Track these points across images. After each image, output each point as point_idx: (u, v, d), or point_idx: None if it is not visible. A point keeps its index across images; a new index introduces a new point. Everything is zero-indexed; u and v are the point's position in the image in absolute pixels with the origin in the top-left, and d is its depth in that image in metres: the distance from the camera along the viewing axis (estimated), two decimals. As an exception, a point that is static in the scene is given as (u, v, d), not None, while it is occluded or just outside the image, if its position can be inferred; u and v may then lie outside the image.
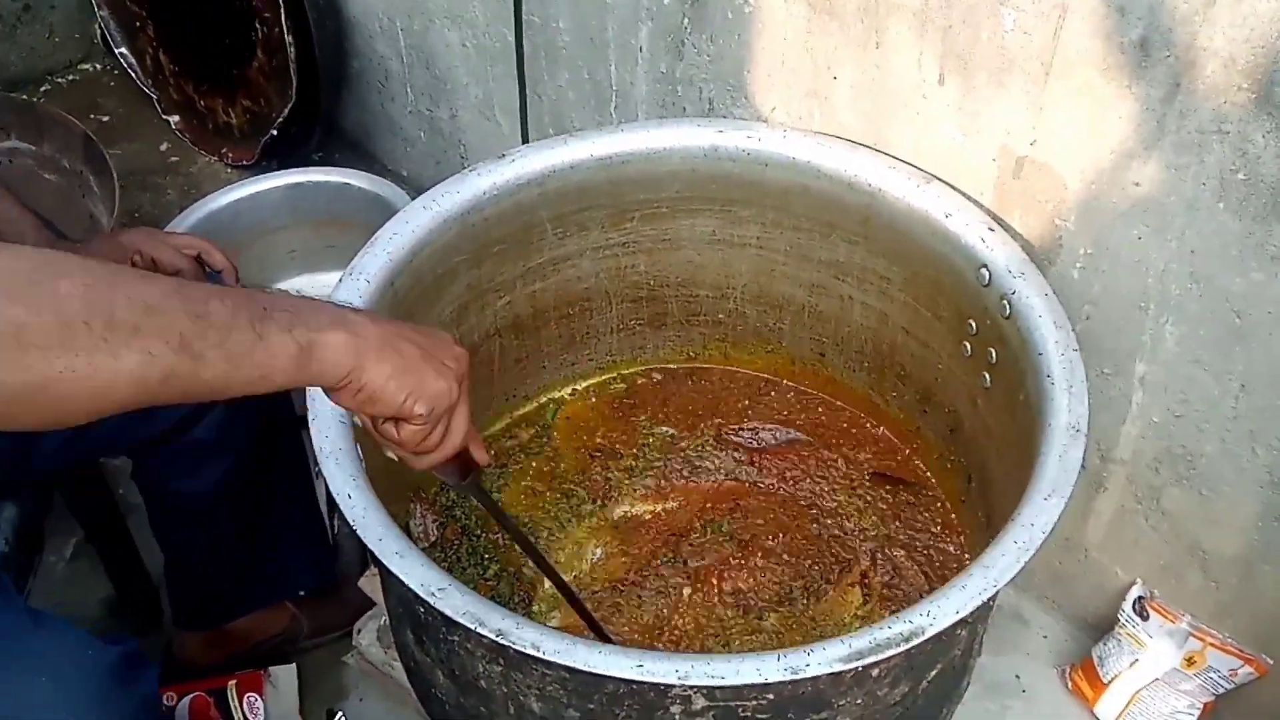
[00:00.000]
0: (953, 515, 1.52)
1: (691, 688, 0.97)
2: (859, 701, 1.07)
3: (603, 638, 1.30)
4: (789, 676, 0.94)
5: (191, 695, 1.57)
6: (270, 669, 1.61)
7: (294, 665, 1.64)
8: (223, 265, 1.30)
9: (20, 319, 0.68)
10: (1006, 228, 1.34)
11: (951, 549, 1.50)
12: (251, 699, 1.57)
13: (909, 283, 1.44)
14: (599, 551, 1.50)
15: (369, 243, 1.31)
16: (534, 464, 1.60)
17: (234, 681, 1.58)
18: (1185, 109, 1.14)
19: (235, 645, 1.62)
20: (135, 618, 1.73)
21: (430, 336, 0.93)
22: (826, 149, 1.43)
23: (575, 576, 1.47)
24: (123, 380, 0.72)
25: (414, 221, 1.34)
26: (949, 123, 1.35)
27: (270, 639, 1.64)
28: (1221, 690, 1.49)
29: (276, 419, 1.49)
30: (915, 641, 0.96)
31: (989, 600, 1.00)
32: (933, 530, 1.52)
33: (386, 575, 1.03)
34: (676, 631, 1.42)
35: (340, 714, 1.61)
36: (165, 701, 1.56)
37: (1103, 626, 1.60)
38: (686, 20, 1.55)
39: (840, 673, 0.95)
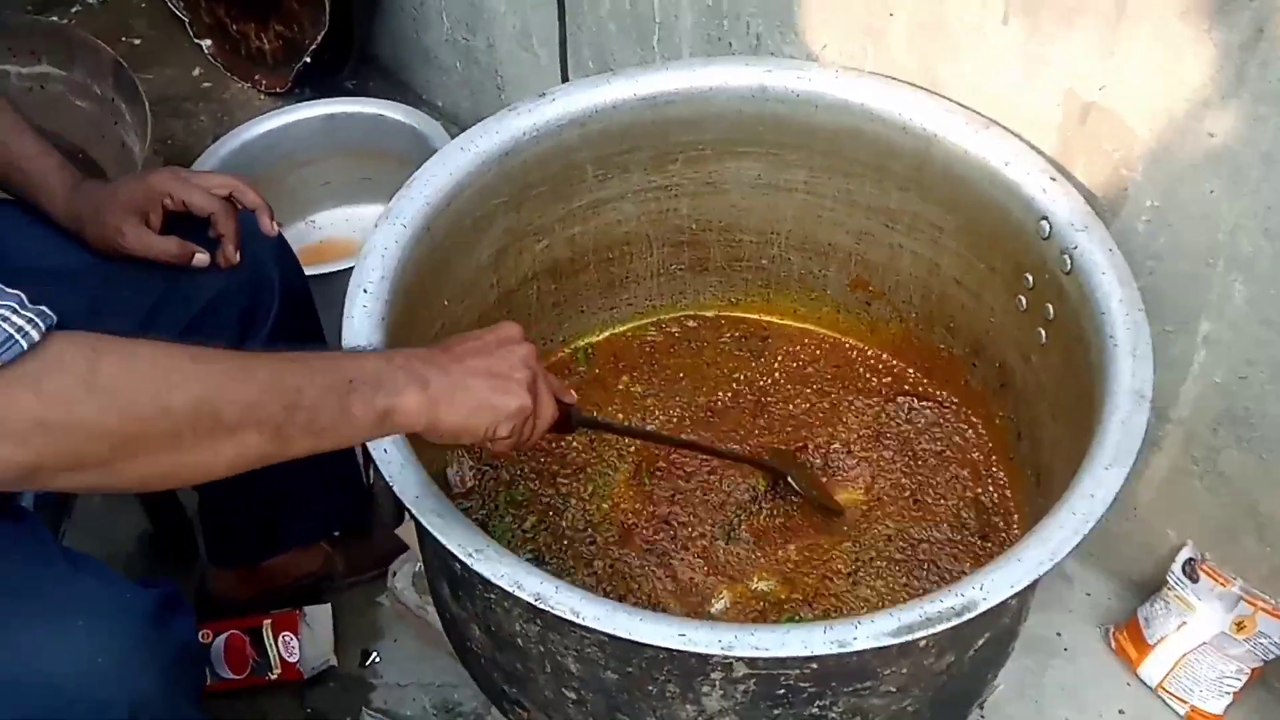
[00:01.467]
0: (999, 471, 1.49)
1: (735, 658, 0.94)
2: (904, 671, 1.05)
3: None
4: (835, 650, 0.91)
5: (227, 634, 1.57)
6: (305, 609, 1.61)
7: (329, 605, 1.64)
8: (255, 204, 1.27)
9: (136, 432, 0.77)
10: (1069, 177, 1.28)
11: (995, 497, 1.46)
12: (287, 638, 1.57)
13: (962, 232, 1.39)
14: (636, 494, 1.48)
15: (406, 185, 1.27)
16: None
17: (269, 621, 1.58)
18: (1268, 57, 1.07)
19: (268, 583, 1.61)
20: (171, 554, 1.73)
21: (497, 353, 0.96)
22: (880, 90, 1.37)
23: (614, 520, 1.45)
24: (220, 467, 0.83)
25: (451, 163, 1.29)
26: (1011, 65, 1.28)
27: (304, 578, 1.64)
28: (1272, 657, 1.46)
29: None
30: (968, 616, 0.93)
31: (1045, 573, 0.97)
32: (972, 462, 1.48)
33: (423, 533, 1.01)
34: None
35: (375, 654, 1.62)
36: (200, 639, 1.57)
37: (1150, 587, 1.57)
38: (736, -49, 1.48)
39: (887, 646, 0.93)
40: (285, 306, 1.31)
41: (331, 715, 1.56)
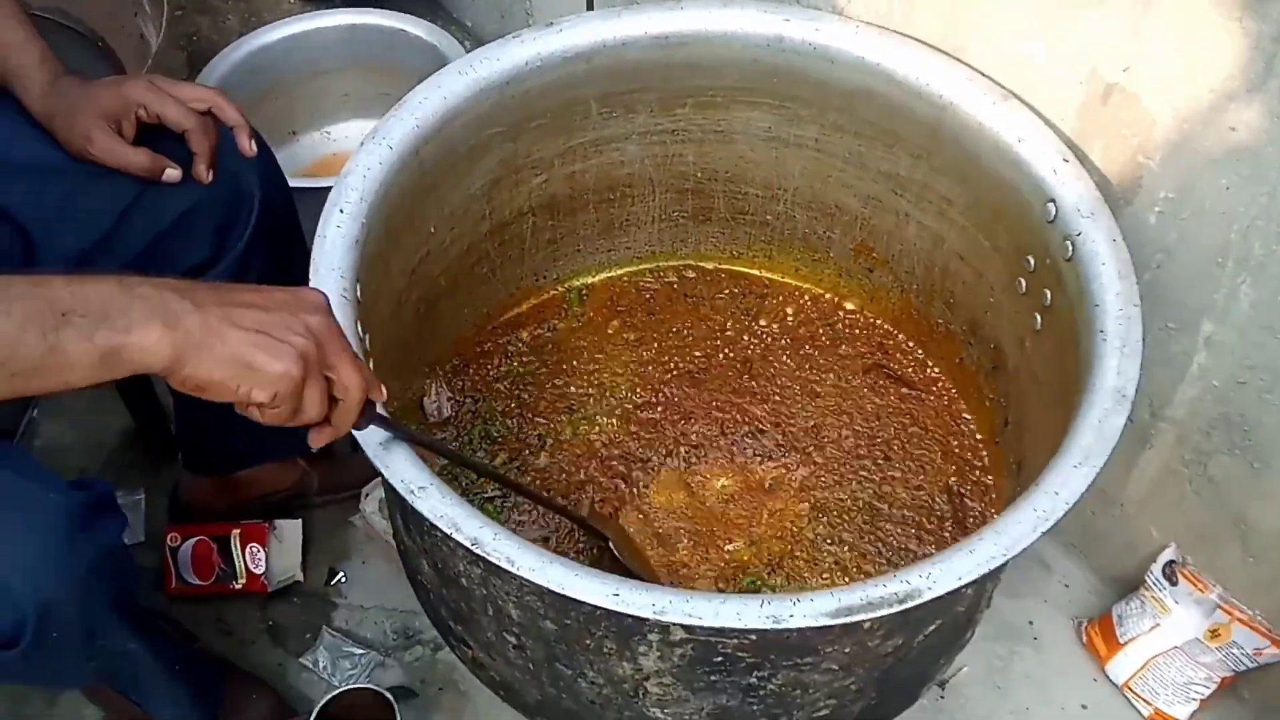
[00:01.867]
0: (984, 452, 1.45)
1: (669, 623, 0.92)
2: (847, 650, 1.03)
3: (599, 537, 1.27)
4: (769, 625, 0.89)
5: (195, 539, 1.57)
6: (276, 522, 1.61)
7: (299, 521, 1.64)
8: (235, 121, 1.22)
9: None
10: (1083, 159, 1.23)
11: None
12: (254, 549, 1.57)
13: (970, 207, 1.34)
14: (609, 444, 1.46)
15: (397, 105, 1.24)
16: (552, 347, 1.55)
17: (238, 531, 1.58)
18: (1301, 52, 1.02)
19: (242, 494, 1.61)
20: (151, 452, 1.73)
21: (277, 312, 0.83)
22: (900, 51, 1.31)
23: (586, 468, 1.43)
24: None
25: (447, 87, 1.26)
26: (1036, 37, 1.22)
27: (278, 492, 1.63)
28: (1243, 668, 1.42)
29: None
30: (910, 604, 0.91)
31: (997, 569, 0.94)
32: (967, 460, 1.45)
33: (373, 465, 0.99)
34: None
35: (341, 574, 1.62)
36: (170, 543, 1.57)
37: (1128, 585, 1.53)
38: (769, -109, 1.42)
39: (826, 626, 0.90)
40: (263, 222, 1.27)
41: (292, 630, 1.56)
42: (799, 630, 0.90)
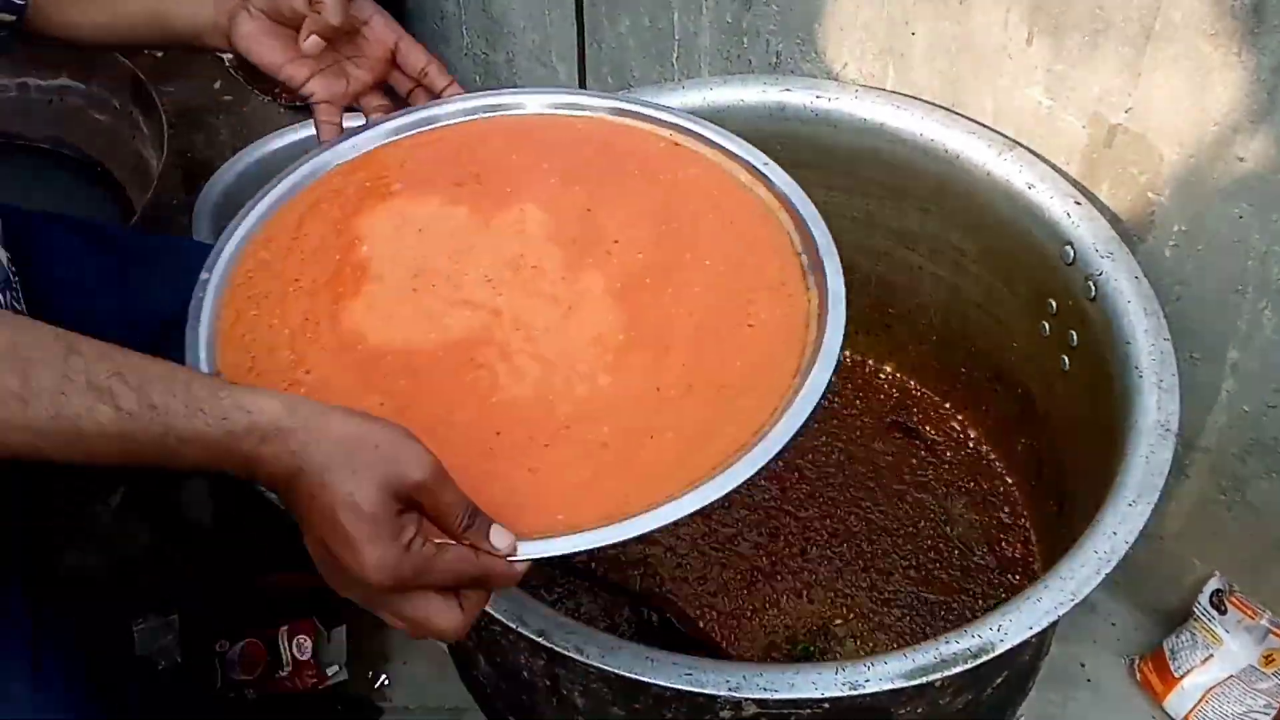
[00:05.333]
0: (1019, 499, 1.46)
1: (743, 699, 0.92)
2: (919, 710, 1.02)
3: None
4: (847, 692, 0.88)
5: (244, 642, 1.58)
6: (321, 628, 1.61)
7: (344, 626, 1.63)
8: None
9: None
10: (1094, 201, 1.25)
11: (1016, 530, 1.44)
12: (301, 640, 1.58)
13: (985, 256, 1.36)
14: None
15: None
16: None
17: (285, 627, 1.59)
18: (1301, 80, 1.04)
19: (269, 595, 1.61)
20: (178, 571, 1.71)
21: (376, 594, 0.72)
22: (900, 110, 1.34)
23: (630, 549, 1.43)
24: None
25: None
26: (1036, 86, 1.25)
27: (304, 592, 1.63)
28: (1301, 692, 1.42)
29: None
30: (984, 659, 0.90)
31: (1065, 614, 0.94)
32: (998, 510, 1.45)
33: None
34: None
35: (384, 677, 1.60)
36: (218, 648, 1.58)
37: (1176, 618, 1.53)
38: (755, -33, 1.46)
39: (900, 688, 0.90)
40: None
41: (340, 738, 1.55)
42: (874, 694, 0.90)
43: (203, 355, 0.85)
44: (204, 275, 0.91)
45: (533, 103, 1.08)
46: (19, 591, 1.07)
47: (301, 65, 1.04)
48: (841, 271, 0.95)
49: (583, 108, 1.08)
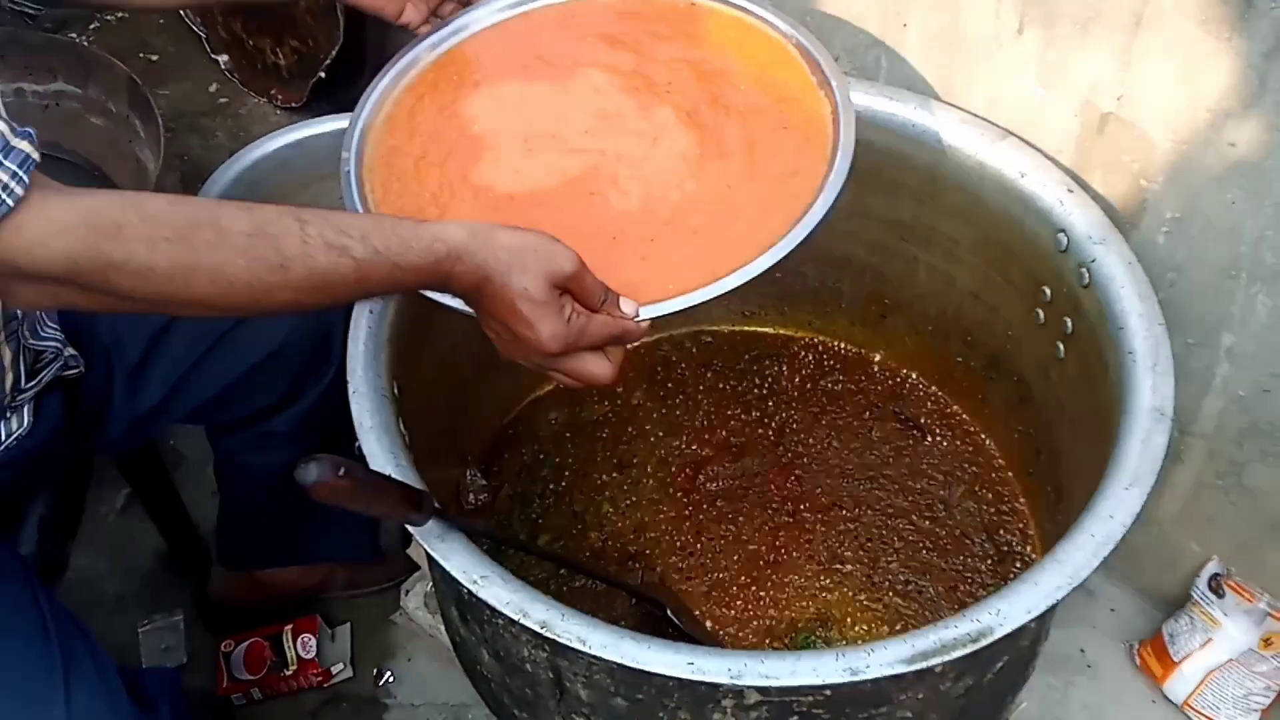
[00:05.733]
0: (1017, 486, 1.46)
1: (744, 686, 0.92)
2: (920, 696, 1.02)
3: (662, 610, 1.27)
4: (848, 678, 0.89)
5: (249, 641, 1.60)
6: (325, 626, 1.62)
7: (349, 624, 1.64)
8: None
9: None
10: (1087, 189, 1.26)
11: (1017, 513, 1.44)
12: (305, 638, 1.61)
13: (979, 245, 1.36)
14: (651, 515, 1.47)
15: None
16: (582, 424, 1.56)
17: (290, 626, 1.61)
18: (1291, 65, 1.05)
19: (268, 592, 1.62)
20: (184, 570, 1.72)
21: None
22: (893, 101, 1.34)
23: (634, 538, 1.44)
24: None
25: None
26: (1027, 75, 1.26)
27: (303, 589, 1.64)
28: (1300, 674, 1.43)
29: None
30: (984, 642, 0.91)
31: (1063, 598, 0.94)
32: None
33: (429, 557, 1.00)
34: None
35: (389, 674, 1.61)
36: (223, 649, 1.60)
37: (1174, 602, 1.54)
38: (747, -39, 1.46)
39: (902, 673, 0.91)
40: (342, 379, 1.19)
41: (345, 735, 1.56)
42: (875, 680, 0.90)
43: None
44: (344, 155, 1.13)
45: None
46: (36, 597, 1.09)
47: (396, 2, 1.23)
48: (847, 82, 1.15)
49: None
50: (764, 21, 1.22)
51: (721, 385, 1.59)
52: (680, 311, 0.98)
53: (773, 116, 1.14)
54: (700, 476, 1.50)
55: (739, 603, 1.39)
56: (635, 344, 0.99)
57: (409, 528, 0.98)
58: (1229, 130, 1.13)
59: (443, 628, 1.43)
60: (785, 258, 1.02)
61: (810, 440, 1.53)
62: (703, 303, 0.99)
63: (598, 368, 0.94)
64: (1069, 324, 1.25)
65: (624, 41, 1.21)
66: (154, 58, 2.64)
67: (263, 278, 0.84)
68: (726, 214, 1.06)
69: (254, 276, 0.84)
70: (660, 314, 0.98)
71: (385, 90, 1.20)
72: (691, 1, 1.25)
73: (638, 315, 0.96)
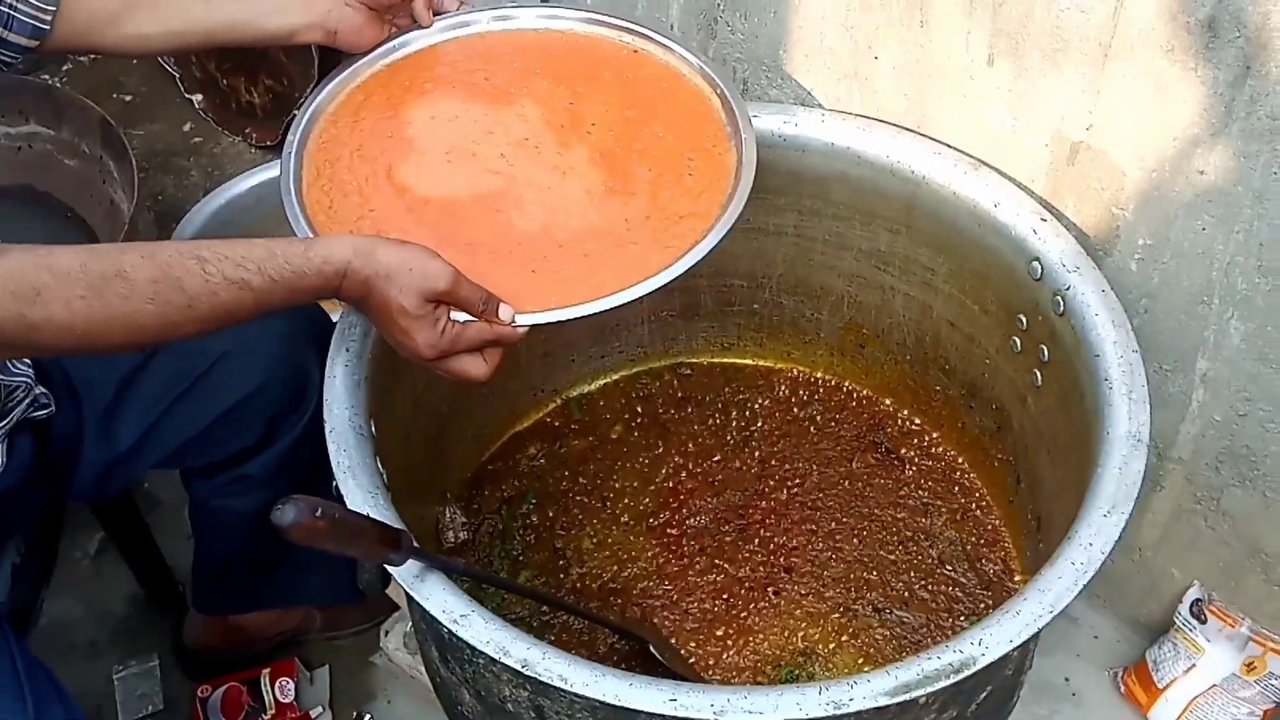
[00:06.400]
0: (997, 515, 1.47)
1: (728, 722, 0.91)
2: (904, 728, 1.02)
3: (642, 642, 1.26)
4: (831, 712, 0.88)
5: (225, 686, 1.57)
6: (303, 669, 1.60)
7: (327, 667, 1.62)
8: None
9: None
10: (1060, 217, 1.27)
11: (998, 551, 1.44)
12: (283, 682, 1.58)
13: (954, 274, 1.37)
14: (633, 550, 1.46)
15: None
16: (562, 460, 1.55)
17: (268, 670, 1.59)
18: (1256, 94, 1.06)
19: (244, 635, 1.60)
20: (159, 615, 1.70)
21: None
22: (867, 133, 1.36)
23: (616, 574, 1.43)
24: None
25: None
26: (998, 106, 1.27)
27: (280, 633, 1.62)
28: (1283, 698, 1.43)
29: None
30: (966, 673, 0.91)
31: (1044, 626, 0.94)
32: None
33: (409, 597, 0.99)
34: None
35: (369, 716, 1.59)
36: (200, 694, 1.57)
37: (1157, 629, 1.54)
38: (719, -3, 1.48)
39: (884, 705, 0.90)
40: (318, 422, 1.18)
41: (325, 780, 1.53)
42: (859, 714, 0.90)
43: (294, 199, 1.15)
44: (290, 138, 1.20)
45: (525, 15, 1.35)
46: (9, 647, 1.08)
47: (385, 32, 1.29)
48: (755, 140, 1.23)
49: (563, 19, 1.35)
50: (697, 72, 1.29)
51: (702, 418, 1.59)
52: (557, 323, 1.07)
53: (682, 164, 1.22)
54: (683, 510, 1.49)
55: (722, 637, 1.38)
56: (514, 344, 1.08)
57: (388, 568, 0.97)
58: (1198, 158, 1.14)
59: (423, 668, 1.41)
60: (667, 284, 1.10)
61: (792, 472, 1.53)
62: (578, 318, 1.07)
63: (474, 368, 1.04)
64: (1045, 352, 1.25)
65: (566, 78, 1.29)
66: (128, 98, 2.64)
67: (171, 318, 0.92)
68: (619, 243, 1.14)
69: (163, 319, 0.92)
70: (535, 323, 1.06)
71: (345, 80, 1.28)
72: (634, 49, 1.32)
73: (514, 321, 1.05)
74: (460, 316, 1.02)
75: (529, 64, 1.31)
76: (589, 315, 1.07)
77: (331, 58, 2.18)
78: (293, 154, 1.19)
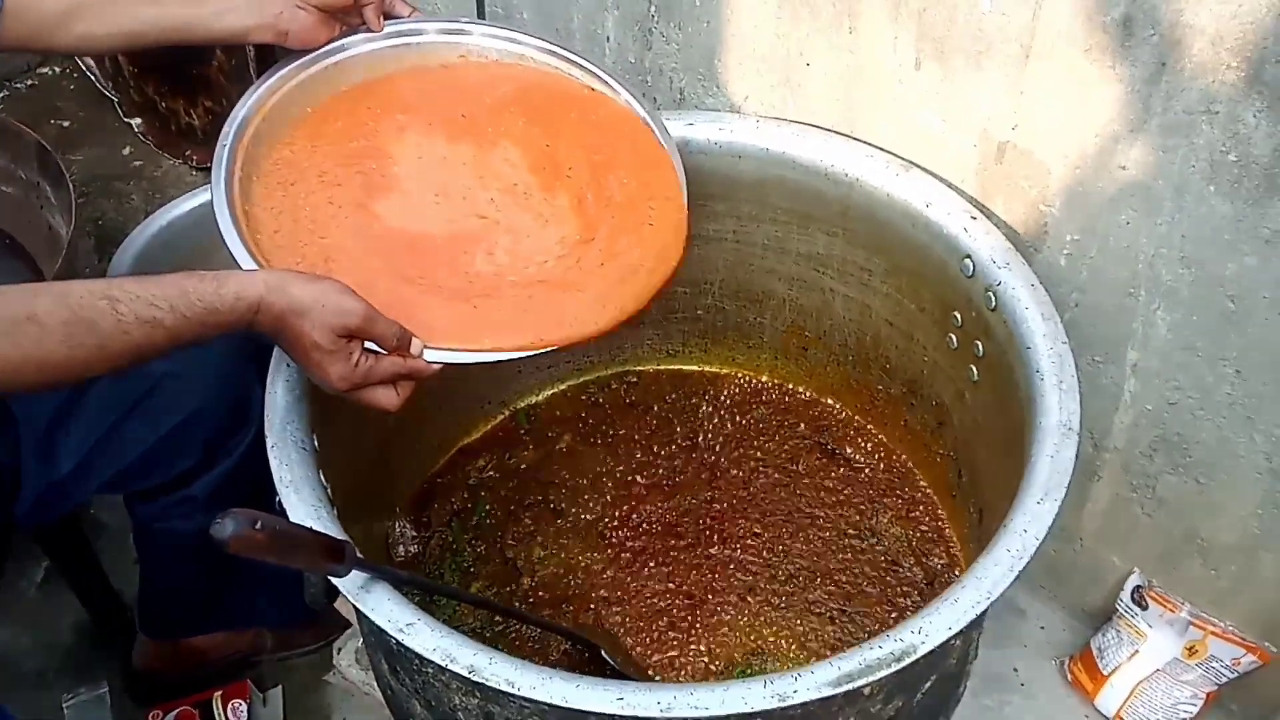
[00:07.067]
0: (940, 509, 1.49)
1: (675, 719, 0.92)
2: (852, 719, 1.03)
3: (594, 651, 1.27)
4: (777, 704, 0.90)
5: (177, 710, 1.55)
6: (256, 690, 1.59)
7: (280, 687, 1.61)
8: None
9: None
10: (989, 215, 1.29)
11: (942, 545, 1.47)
12: (236, 704, 1.56)
13: (890, 274, 1.40)
14: (584, 558, 1.46)
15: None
16: (511, 471, 1.55)
17: (220, 692, 1.57)
18: (1172, 89, 1.09)
19: (195, 659, 1.59)
20: (107, 642, 1.68)
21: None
22: (801, 138, 1.38)
23: (568, 582, 1.43)
24: None
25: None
26: (927, 109, 1.30)
27: (230, 655, 1.61)
28: (1224, 680, 1.46)
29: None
30: (907, 661, 0.92)
31: (983, 613, 0.96)
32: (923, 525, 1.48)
33: (356, 608, 0.99)
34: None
35: (324, 735, 1.58)
36: (151, 719, 1.54)
37: (1101, 616, 1.57)
38: (653, 7, 1.49)
39: (830, 696, 0.91)
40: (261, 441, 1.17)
41: (281, 801, 1.52)
42: (804, 705, 0.91)
43: (231, 223, 1.14)
44: (223, 146, 1.19)
45: (476, 32, 1.36)
46: None
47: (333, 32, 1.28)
48: (685, 201, 1.27)
49: (521, 43, 1.36)
50: (648, 116, 1.33)
51: (650, 425, 1.60)
52: (464, 364, 1.10)
53: (643, 210, 1.25)
54: (633, 517, 1.50)
55: (675, 641, 1.39)
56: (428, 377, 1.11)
57: (332, 579, 0.97)
58: (1119, 154, 1.17)
59: (375, 683, 1.41)
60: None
61: (740, 476, 1.54)
62: (477, 364, 1.11)
63: (385, 399, 1.07)
64: (980, 347, 1.28)
65: (538, 118, 1.31)
66: (65, 123, 2.62)
67: (83, 359, 0.93)
68: (566, 289, 1.18)
69: (75, 360, 0.93)
70: (442, 360, 1.09)
71: (286, 91, 1.26)
72: (590, 87, 1.35)
73: (423, 355, 1.08)
74: (376, 348, 1.05)
75: (501, 100, 1.31)
76: (488, 363, 1.11)
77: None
78: (226, 168, 1.18)
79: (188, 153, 2.45)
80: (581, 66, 1.35)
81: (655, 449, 1.57)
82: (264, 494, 1.21)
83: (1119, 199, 1.20)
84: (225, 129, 1.21)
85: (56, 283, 0.95)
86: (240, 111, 1.23)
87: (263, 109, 1.24)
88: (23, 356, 0.90)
